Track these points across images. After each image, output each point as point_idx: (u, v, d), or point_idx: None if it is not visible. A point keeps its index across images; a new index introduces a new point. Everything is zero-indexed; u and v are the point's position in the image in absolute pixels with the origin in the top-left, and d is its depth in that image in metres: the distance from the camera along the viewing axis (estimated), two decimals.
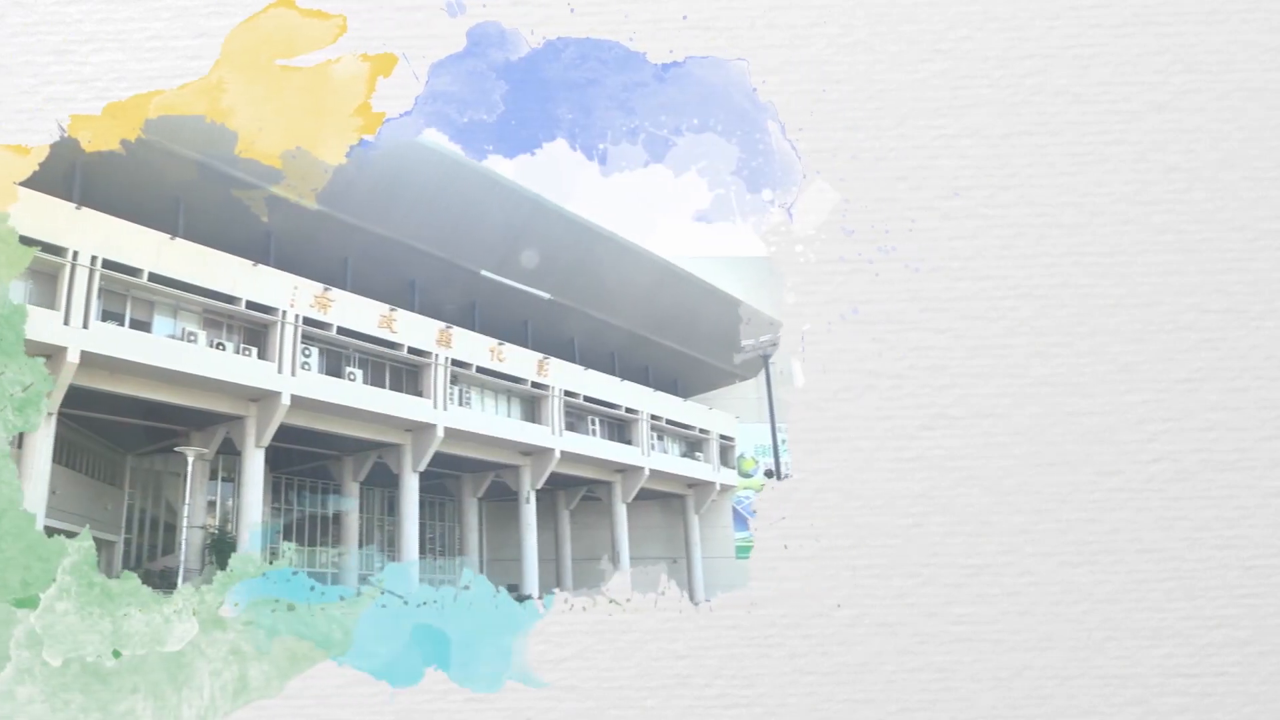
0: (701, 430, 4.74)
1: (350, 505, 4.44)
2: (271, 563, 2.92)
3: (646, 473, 4.77)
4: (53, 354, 3.73)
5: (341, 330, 4.25)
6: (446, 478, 4.57)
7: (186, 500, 4.13)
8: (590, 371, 4.56)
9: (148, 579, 2.91)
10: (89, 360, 3.81)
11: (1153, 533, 2.58)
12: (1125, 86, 2.55)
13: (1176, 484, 2.57)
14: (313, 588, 2.80)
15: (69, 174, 3.59)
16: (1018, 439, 2.58)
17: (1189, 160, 2.55)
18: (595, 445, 4.60)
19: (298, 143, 2.77)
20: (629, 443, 4.63)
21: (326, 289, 4.19)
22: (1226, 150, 2.55)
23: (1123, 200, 2.57)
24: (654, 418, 4.76)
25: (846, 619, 2.56)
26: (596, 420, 4.69)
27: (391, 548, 4.52)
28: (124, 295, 3.97)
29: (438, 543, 4.61)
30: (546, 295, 3.88)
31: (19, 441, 3.10)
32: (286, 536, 4.29)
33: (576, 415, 4.60)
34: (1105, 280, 2.56)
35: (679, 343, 4.61)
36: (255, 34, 2.72)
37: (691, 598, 2.70)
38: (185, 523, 4.09)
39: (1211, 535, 2.57)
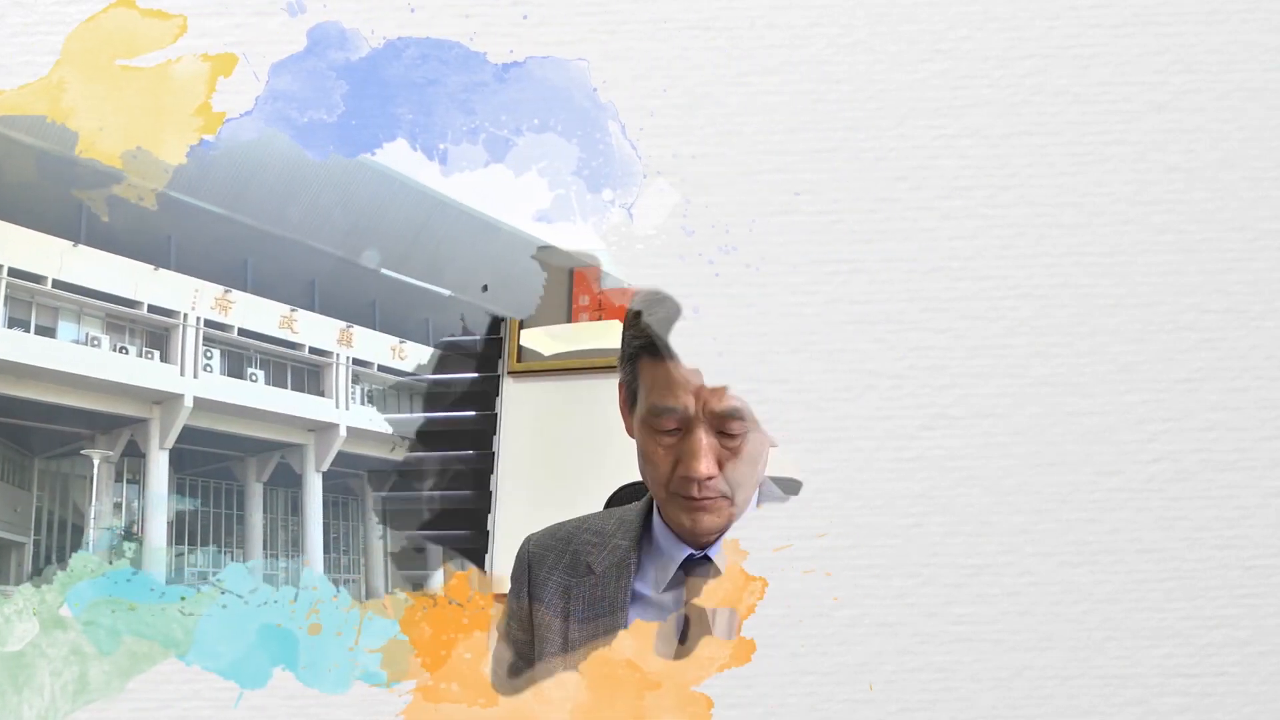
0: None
1: (254, 506, 4.36)
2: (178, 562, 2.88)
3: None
4: None
5: (242, 331, 4.17)
6: (349, 476, 4.51)
7: (93, 502, 4.04)
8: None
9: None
10: None
11: (1153, 533, 2.59)
12: (1125, 86, 2.56)
13: (1176, 484, 2.58)
14: (153, 588, 2.77)
15: None
16: (1018, 439, 2.58)
17: (1189, 160, 2.55)
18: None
19: (138, 143, 2.72)
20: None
21: (227, 291, 4.11)
22: (1226, 150, 2.55)
23: (1123, 200, 2.58)
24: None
25: (846, 619, 2.56)
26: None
27: (295, 548, 4.43)
28: (29, 303, 3.87)
29: (342, 542, 4.54)
30: (447, 292, 3.82)
31: None
32: (191, 539, 4.20)
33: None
34: (1105, 280, 2.57)
35: None
36: (96, 33, 2.66)
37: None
38: (92, 524, 4.00)
39: (1211, 535, 2.59)
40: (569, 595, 2.37)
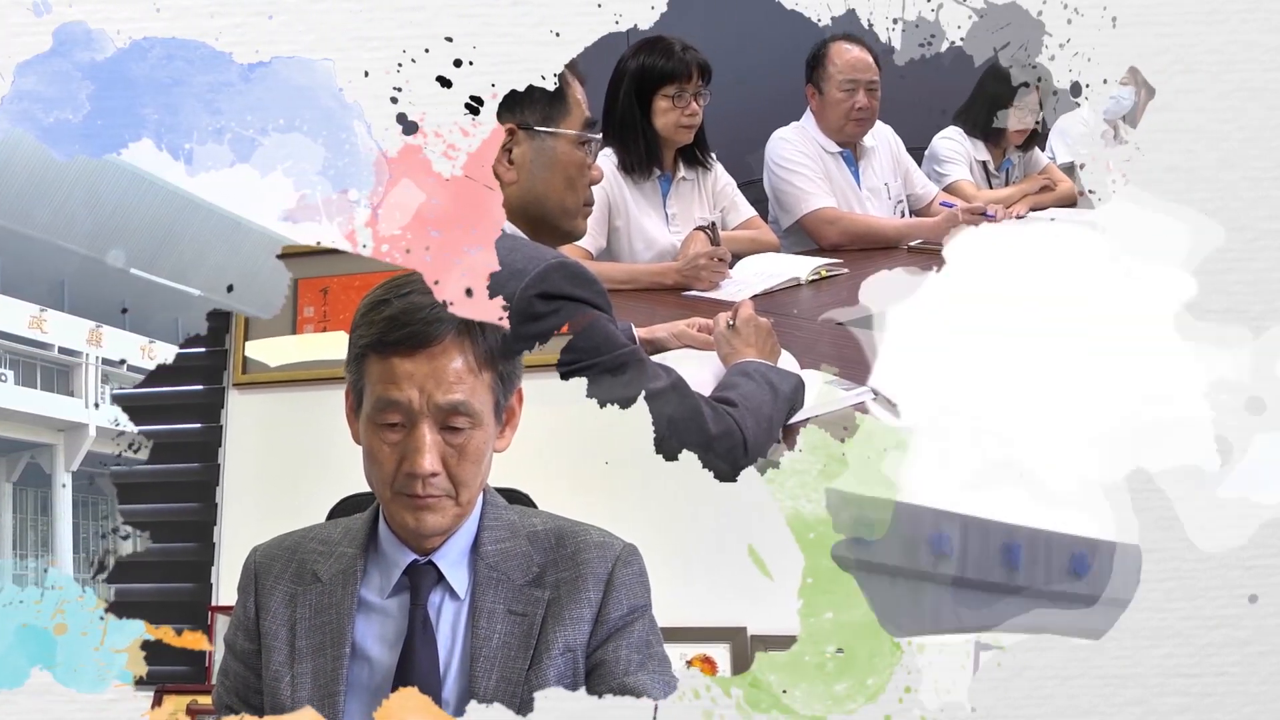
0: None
1: (4, 506, 4.31)
2: None
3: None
4: None
5: None
6: (99, 476, 4.47)
7: None
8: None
9: None
10: None
11: (1153, 533, 2.55)
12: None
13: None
14: None
15: None
16: None
17: (1189, 160, 2.53)
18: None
19: None
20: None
21: None
22: (1226, 150, 2.52)
23: None
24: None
25: None
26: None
27: (44, 548, 4.39)
28: None
29: (91, 542, 4.50)
30: (196, 291, 3.82)
31: None
32: None
33: None
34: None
35: None
36: None
37: None
38: None
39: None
40: (295, 603, 2.36)
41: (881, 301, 2.80)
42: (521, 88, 2.43)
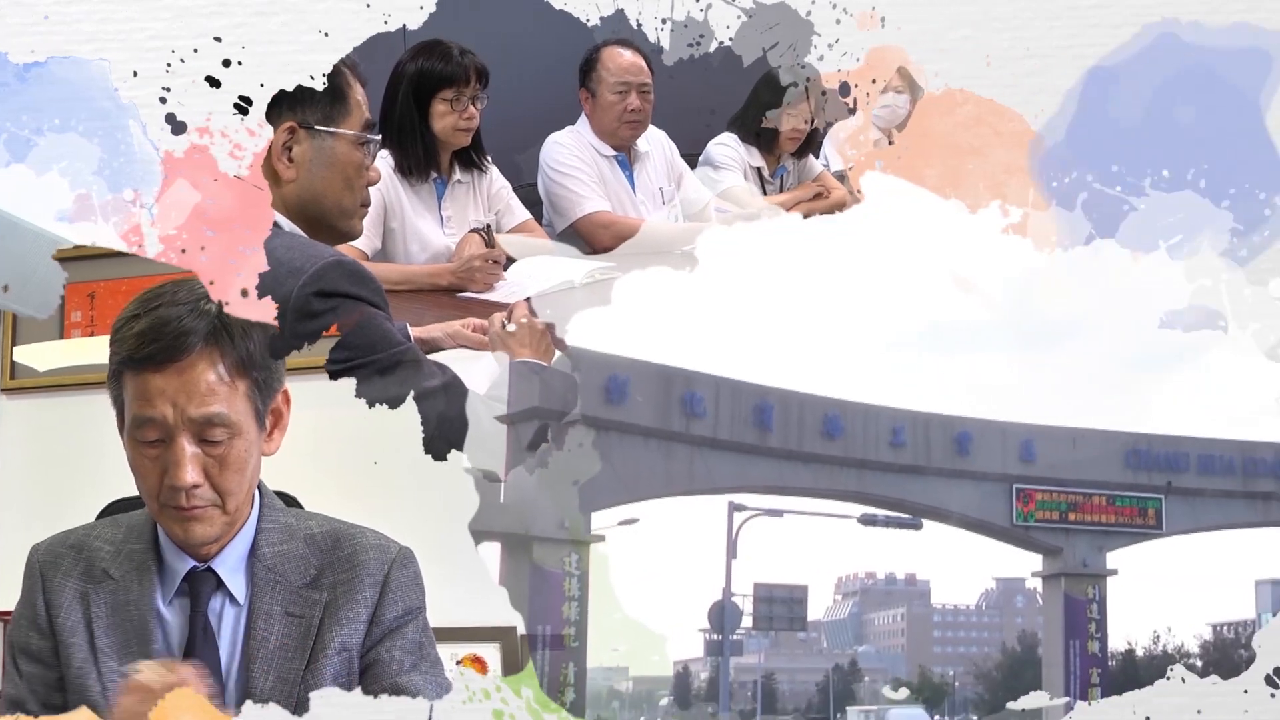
0: None
1: None
2: None
3: None
4: None
5: None
6: None
7: None
8: None
9: None
10: None
11: None
12: None
13: None
14: None
15: None
16: None
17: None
18: None
19: None
20: None
21: None
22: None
23: None
24: None
25: None
26: None
27: None
28: None
29: None
30: None
31: None
32: None
33: None
34: None
35: None
36: None
37: None
38: None
39: None
40: (87, 601, 2.34)
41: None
42: (290, 88, 2.43)
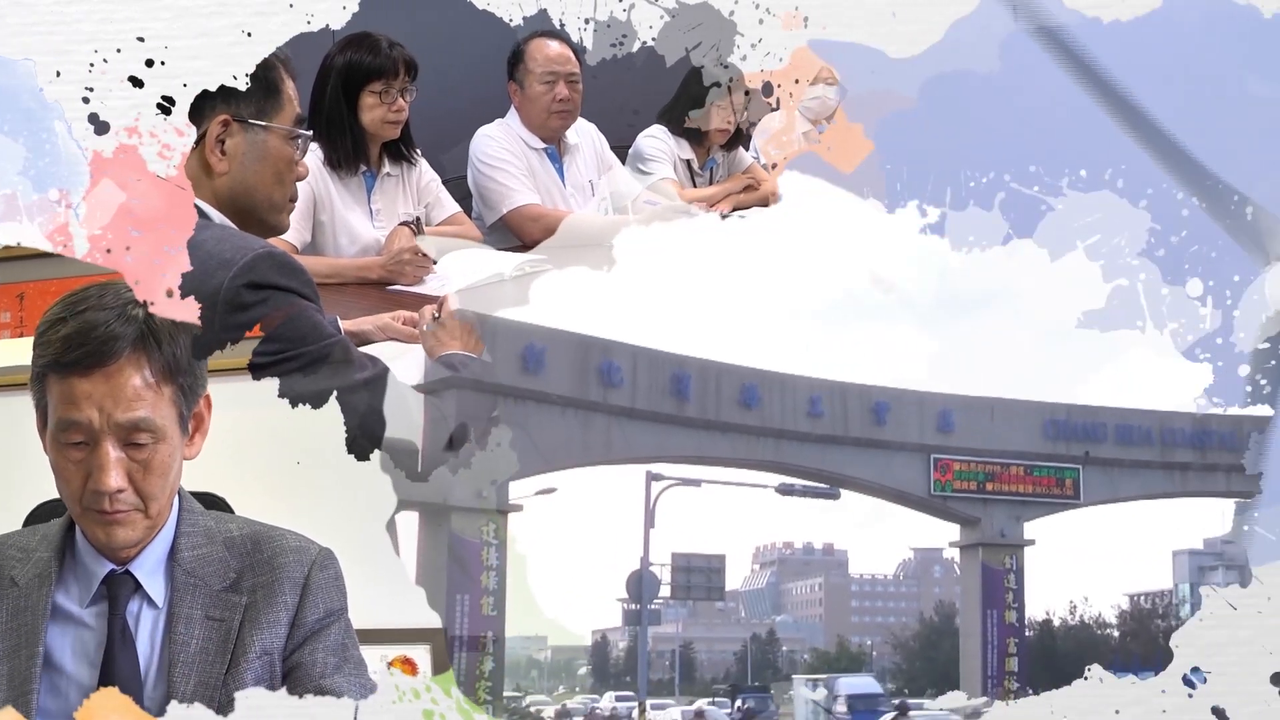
0: None
1: None
2: None
3: None
4: None
5: None
6: None
7: None
8: None
9: None
10: None
11: None
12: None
13: None
14: None
15: None
16: None
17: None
18: None
19: None
20: None
21: None
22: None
23: None
24: None
25: None
26: None
27: None
28: None
29: None
30: None
31: None
32: None
33: None
34: None
35: None
36: None
37: None
38: None
39: None
40: None
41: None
42: (213, 87, 2.43)
